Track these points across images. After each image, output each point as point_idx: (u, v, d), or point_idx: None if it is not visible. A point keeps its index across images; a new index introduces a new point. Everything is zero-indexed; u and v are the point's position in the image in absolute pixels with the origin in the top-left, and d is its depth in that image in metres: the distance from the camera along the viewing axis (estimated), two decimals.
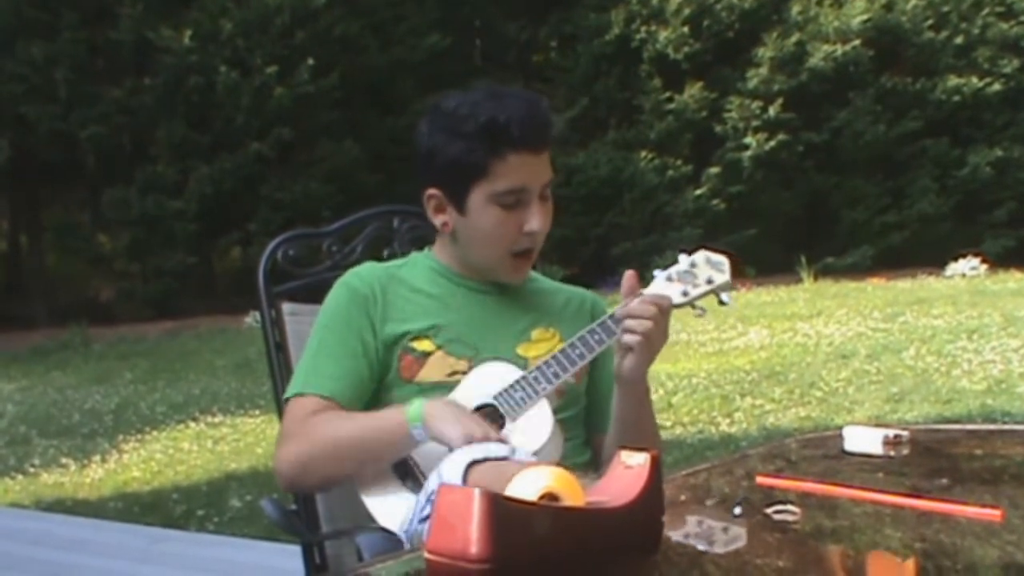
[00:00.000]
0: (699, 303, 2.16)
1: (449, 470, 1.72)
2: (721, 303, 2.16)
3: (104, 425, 9.92)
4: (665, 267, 2.16)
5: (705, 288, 2.14)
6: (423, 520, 1.76)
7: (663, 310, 2.07)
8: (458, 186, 2.13)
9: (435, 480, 1.74)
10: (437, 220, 2.21)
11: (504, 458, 1.75)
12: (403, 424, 2.00)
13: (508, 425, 2.05)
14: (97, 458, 8.46)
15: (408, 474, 2.05)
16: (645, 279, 2.16)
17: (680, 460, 6.28)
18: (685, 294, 2.13)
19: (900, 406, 7.75)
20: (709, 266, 2.14)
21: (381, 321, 2.17)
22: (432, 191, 2.18)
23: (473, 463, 1.70)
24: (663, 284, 2.13)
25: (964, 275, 17.30)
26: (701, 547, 1.39)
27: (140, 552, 5.98)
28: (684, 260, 2.16)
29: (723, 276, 2.14)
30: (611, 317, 2.11)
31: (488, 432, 1.91)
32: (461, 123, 2.10)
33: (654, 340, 2.07)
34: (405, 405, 2.02)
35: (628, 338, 2.05)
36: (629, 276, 2.12)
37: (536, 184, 2.13)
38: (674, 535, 1.36)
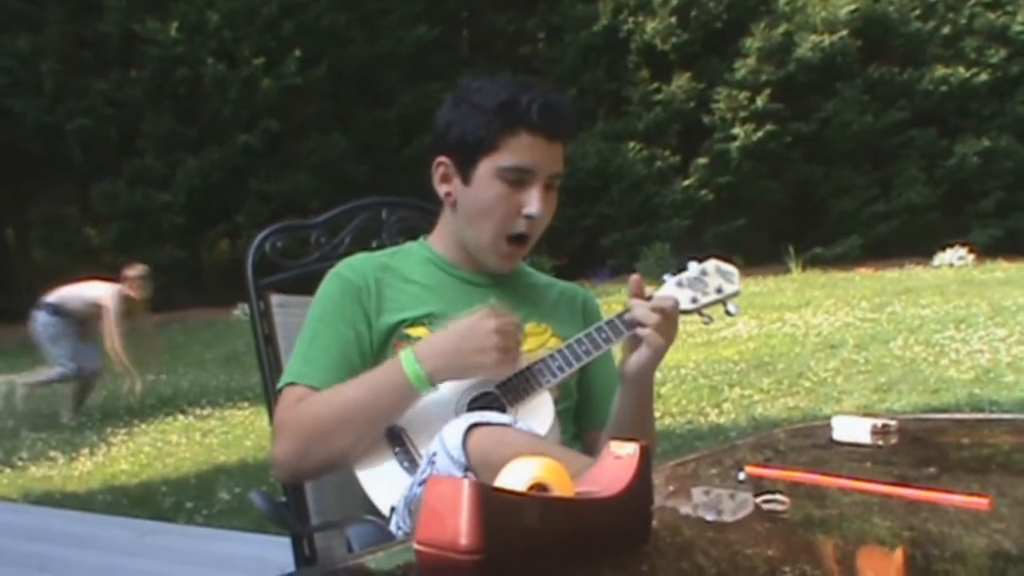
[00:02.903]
0: (707, 311, 2.18)
1: (450, 433, 1.72)
2: (728, 313, 2.18)
3: (93, 418, 9.91)
4: (675, 272, 2.17)
5: (715, 297, 2.16)
6: (423, 483, 1.76)
7: (674, 310, 2.08)
8: (468, 156, 2.15)
9: (436, 444, 1.74)
10: (442, 189, 2.23)
11: (506, 425, 1.75)
12: (403, 380, 2.00)
13: (509, 413, 2.05)
14: (86, 451, 8.45)
15: (403, 450, 2.05)
16: (635, 269, 2.18)
17: (669, 451, 6.28)
18: (695, 301, 2.15)
19: (888, 396, 7.77)
20: (719, 275, 2.17)
21: (376, 313, 2.17)
22: (442, 159, 2.20)
23: (473, 426, 1.70)
24: (673, 289, 2.15)
25: (952, 265, 17.36)
26: (690, 536, 1.39)
27: (129, 545, 5.96)
28: (695, 267, 2.18)
29: (732, 286, 2.17)
30: (619, 317, 2.11)
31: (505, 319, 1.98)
32: (484, 98, 2.14)
33: (664, 339, 2.08)
34: (397, 361, 2.02)
35: (641, 331, 2.07)
36: (635, 280, 2.13)
37: (543, 170, 2.15)
38: (663, 525, 1.37)
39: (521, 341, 2.05)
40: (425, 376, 1.99)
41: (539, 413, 2.07)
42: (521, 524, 1.14)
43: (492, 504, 1.12)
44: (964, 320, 10.34)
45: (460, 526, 1.10)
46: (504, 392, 2.08)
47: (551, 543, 1.16)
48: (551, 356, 2.09)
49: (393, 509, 1.97)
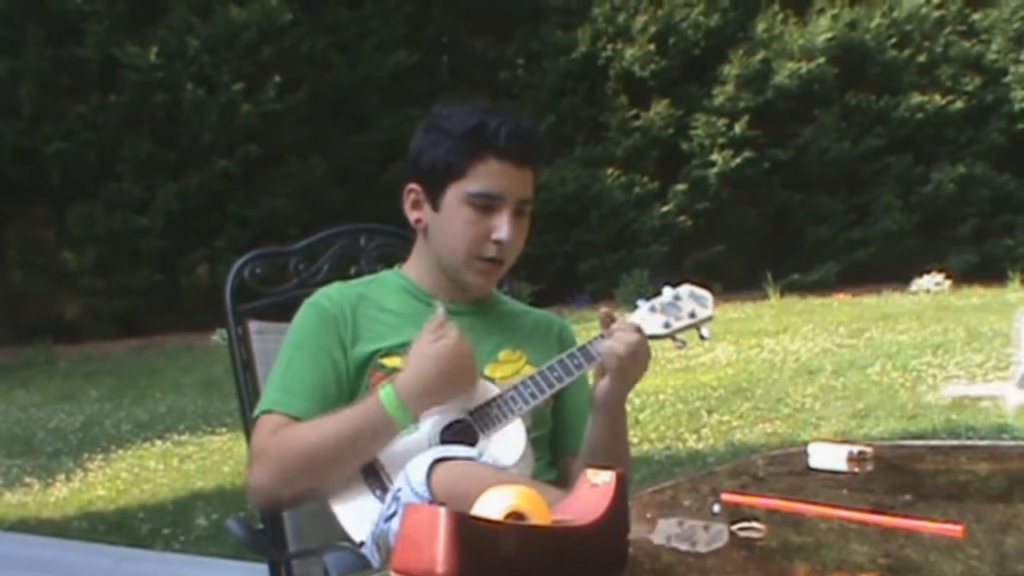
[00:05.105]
0: (680, 336, 2.18)
1: (414, 468, 1.72)
2: (702, 337, 2.18)
3: (69, 444, 9.85)
4: (649, 297, 2.17)
5: (687, 321, 2.15)
6: (388, 519, 1.76)
7: (637, 344, 2.08)
8: (437, 182, 2.16)
9: (401, 479, 1.74)
10: (412, 216, 2.24)
11: (471, 459, 1.75)
12: (381, 413, 2.00)
13: (481, 441, 2.06)
14: (62, 477, 8.39)
15: (376, 481, 2.05)
16: (614, 296, 2.18)
17: (647, 477, 6.29)
18: (667, 325, 2.15)
19: (866, 422, 7.79)
20: (692, 300, 2.17)
21: (352, 342, 2.17)
22: (412, 186, 2.22)
23: (438, 461, 1.70)
24: (646, 314, 2.15)
25: (928, 291, 17.44)
26: (668, 563, 1.40)
27: (105, 571, 5.93)
28: (668, 292, 2.18)
29: (706, 311, 2.17)
30: (591, 343, 2.11)
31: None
32: (452, 125, 2.16)
33: (633, 364, 2.08)
34: (375, 394, 2.02)
35: (607, 359, 2.07)
36: (604, 314, 2.14)
37: (512, 196, 2.15)
38: (640, 552, 1.37)
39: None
40: (412, 415, 2.01)
41: (511, 441, 2.07)
42: (498, 552, 1.14)
43: (469, 532, 1.12)
44: (941, 346, 10.38)
45: (437, 554, 1.10)
46: (476, 420, 2.08)
47: (528, 571, 1.16)
48: (523, 383, 2.09)
49: (363, 543, 1.97)
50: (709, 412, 8.63)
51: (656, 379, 9.93)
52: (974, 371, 9.06)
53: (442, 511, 1.11)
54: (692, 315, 2.16)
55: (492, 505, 1.21)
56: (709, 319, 2.18)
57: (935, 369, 9.32)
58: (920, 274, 18.21)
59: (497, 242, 2.15)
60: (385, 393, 2.02)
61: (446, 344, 2.02)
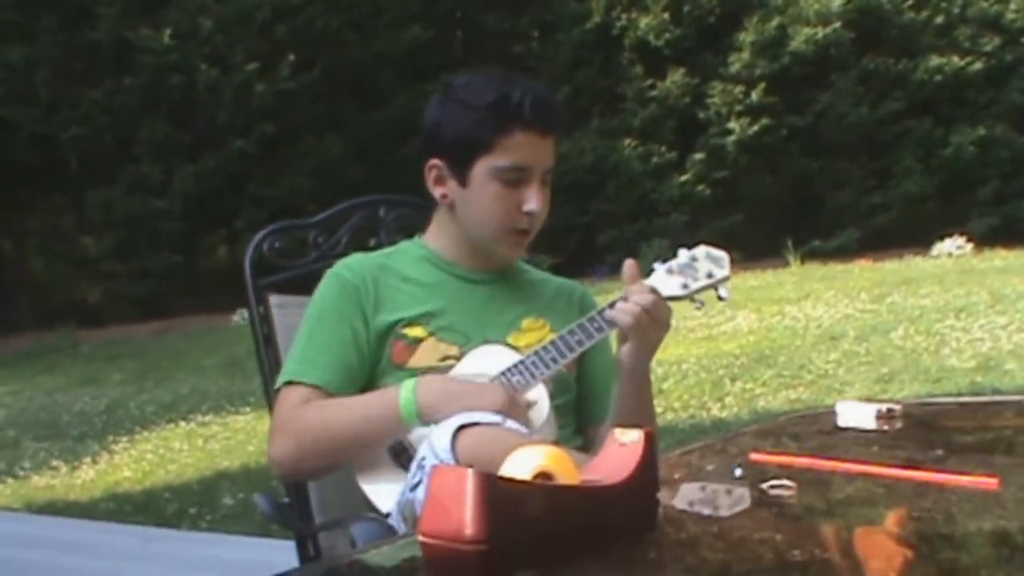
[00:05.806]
0: (699, 296, 2.17)
1: (438, 435, 1.71)
2: (720, 298, 2.17)
3: (94, 427, 9.90)
4: (665, 260, 2.16)
5: (705, 282, 2.15)
6: (414, 488, 1.76)
7: (654, 306, 2.06)
8: (462, 158, 2.14)
9: (426, 447, 1.73)
10: (436, 191, 2.21)
11: (495, 425, 1.74)
12: (396, 413, 2.00)
13: None
14: (88, 459, 8.44)
15: (403, 455, 2.05)
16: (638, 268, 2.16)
17: (672, 445, 6.22)
18: (685, 287, 2.14)
19: (890, 386, 7.75)
20: (709, 261, 2.15)
21: (373, 311, 2.16)
22: (435, 161, 2.19)
23: (462, 428, 1.70)
24: (663, 276, 2.14)
25: (950, 254, 17.36)
26: (697, 524, 1.38)
27: (133, 552, 5.96)
28: (684, 254, 2.17)
29: (723, 271, 2.15)
30: (612, 306, 2.10)
31: (496, 395, 1.95)
32: (474, 97, 2.13)
33: (651, 327, 2.07)
34: (397, 391, 2.01)
35: (621, 318, 2.06)
36: (630, 264, 2.12)
37: (539, 166, 2.14)
38: (670, 512, 1.36)
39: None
40: (415, 411, 1.99)
41: (535, 406, 2.06)
42: (526, 513, 1.13)
43: (497, 494, 1.11)
44: (964, 309, 10.33)
45: (465, 517, 1.09)
46: (500, 383, 2.07)
47: (557, 532, 1.15)
48: (544, 348, 2.09)
49: (389, 514, 1.96)
50: (732, 380, 8.61)
51: (678, 348, 9.92)
52: (998, 333, 9.00)
53: (470, 472, 1.10)
54: (709, 275, 2.15)
55: (520, 465, 1.20)
56: (726, 279, 2.17)
57: (959, 332, 9.26)
58: (942, 238, 18.13)
59: (528, 213, 2.15)
60: (404, 384, 2.02)
61: (494, 388, 2.02)
